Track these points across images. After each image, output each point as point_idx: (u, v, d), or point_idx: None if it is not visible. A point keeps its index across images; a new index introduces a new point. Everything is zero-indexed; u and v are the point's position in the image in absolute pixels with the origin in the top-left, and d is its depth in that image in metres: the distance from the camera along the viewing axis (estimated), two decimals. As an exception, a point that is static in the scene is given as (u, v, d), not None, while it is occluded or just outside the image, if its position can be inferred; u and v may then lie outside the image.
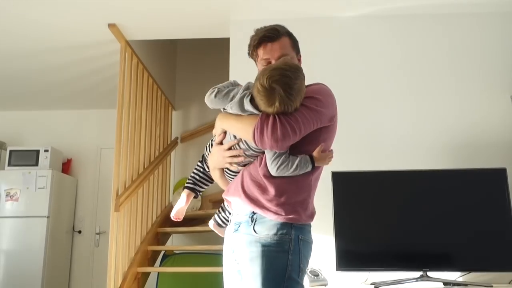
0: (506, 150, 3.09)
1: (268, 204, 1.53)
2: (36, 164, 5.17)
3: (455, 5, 3.30)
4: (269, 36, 1.66)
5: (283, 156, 1.51)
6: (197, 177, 1.84)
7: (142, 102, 4.24)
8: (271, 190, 1.54)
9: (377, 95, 3.27)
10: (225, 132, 1.65)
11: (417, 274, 2.71)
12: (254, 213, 1.56)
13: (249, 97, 1.50)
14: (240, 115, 1.53)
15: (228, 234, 1.66)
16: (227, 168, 1.68)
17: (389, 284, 2.66)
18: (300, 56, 1.77)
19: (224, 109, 1.64)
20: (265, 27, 1.71)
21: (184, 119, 5.52)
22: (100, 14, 3.48)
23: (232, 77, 3.36)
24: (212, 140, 1.76)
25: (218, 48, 4.41)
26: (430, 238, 2.77)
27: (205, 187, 1.86)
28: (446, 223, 2.78)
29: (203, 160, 1.83)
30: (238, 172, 1.67)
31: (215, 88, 1.62)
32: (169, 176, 5.09)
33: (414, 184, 2.86)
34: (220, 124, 1.63)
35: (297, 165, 1.52)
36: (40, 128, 5.84)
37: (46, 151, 5.23)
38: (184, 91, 5.55)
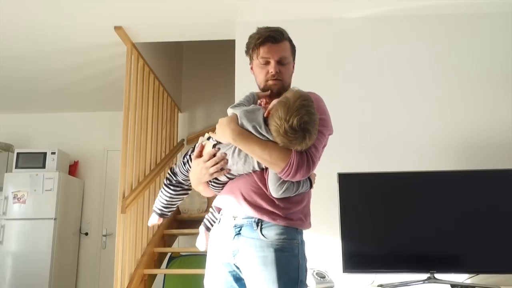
0: (515, 151, 3.07)
1: (275, 211, 1.53)
2: (43, 166, 5.20)
3: (458, 6, 3.28)
4: (274, 36, 1.68)
5: (287, 182, 1.50)
6: (164, 202, 1.84)
7: (148, 104, 4.26)
8: (277, 199, 1.54)
9: (382, 96, 3.26)
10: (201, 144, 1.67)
11: (424, 276, 2.69)
12: (258, 218, 1.54)
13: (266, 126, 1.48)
14: (264, 142, 1.47)
15: (224, 238, 1.60)
16: (214, 180, 1.63)
17: (396, 286, 2.65)
18: (294, 63, 1.79)
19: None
20: (268, 27, 1.72)
21: (190, 121, 5.53)
22: (106, 17, 3.49)
23: (238, 79, 3.37)
24: (188, 155, 1.72)
25: (224, 50, 4.42)
26: (438, 239, 2.76)
27: (174, 208, 1.90)
28: (454, 224, 2.77)
29: (173, 178, 1.81)
30: (225, 183, 1.63)
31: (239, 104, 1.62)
32: (175, 178, 5.09)
33: (422, 186, 2.85)
34: (237, 143, 1.52)
35: (298, 189, 1.54)
36: (47, 130, 5.88)
37: (53, 153, 5.26)
38: (190, 93, 5.57)
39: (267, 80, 1.69)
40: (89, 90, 5.14)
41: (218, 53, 5.11)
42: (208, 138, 1.65)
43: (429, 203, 2.81)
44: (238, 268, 1.57)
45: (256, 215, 1.53)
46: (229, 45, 3.59)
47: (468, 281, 2.77)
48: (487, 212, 2.75)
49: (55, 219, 4.99)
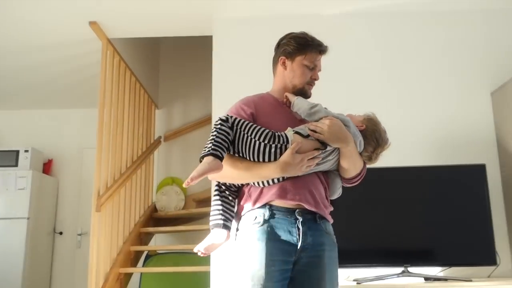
0: (486, 147, 3.14)
1: (330, 209, 1.75)
2: (16, 164, 5.08)
3: (437, 3, 3.34)
4: (327, 50, 1.86)
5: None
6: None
7: (125, 101, 4.20)
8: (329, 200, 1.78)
9: (358, 92, 3.28)
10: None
11: (399, 269, 2.74)
12: (316, 213, 1.67)
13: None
14: (358, 152, 1.75)
15: (284, 234, 1.62)
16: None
17: (371, 280, 2.68)
18: None
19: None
20: (313, 37, 1.87)
21: (167, 117, 5.48)
22: (81, 11, 3.43)
23: (215, 75, 3.36)
24: (280, 144, 1.62)
25: (202, 46, 4.40)
26: (411, 234, 2.81)
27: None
28: (427, 219, 2.82)
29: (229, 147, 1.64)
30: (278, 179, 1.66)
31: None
32: (152, 176, 5.05)
33: (395, 181, 2.89)
34: (349, 149, 1.69)
35: None
36: (20, 128, 5.74)
37: (26, 151, 5.15)
38: (167, 90, 5.52)
39: (307, 83, 1.84)
40: (64, 87, 5.05)
41: (196, 49, 5.08)
42: (307, 136, 1.65)
43: (403, 198, 2.86)
44: (296, 263, 1.62)
45: (324, 212, 1.69)
46: (207, 41, 3.58)
47: (441, 274, 2.83)
48: (459, 206, 2.82)
49: (28, 218, 4.88)
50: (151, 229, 4.59)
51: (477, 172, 2.86)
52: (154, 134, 5.22)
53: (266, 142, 1.62)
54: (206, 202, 4.60)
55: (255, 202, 1.66)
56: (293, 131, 1.66)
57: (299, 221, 1.63)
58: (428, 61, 3.34)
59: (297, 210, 1.64)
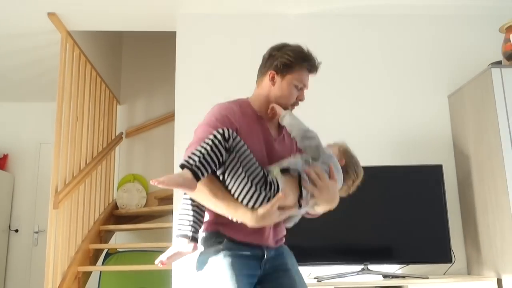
0: (443, 148, 3.23)
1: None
2: (-32, 159, 4.89)
3: (397, 8, 3.42)
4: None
5: None
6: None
7: (85, 95, 4.09)
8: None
9: (320, 93, 3.31)
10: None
11: (359, 267, 2.79)
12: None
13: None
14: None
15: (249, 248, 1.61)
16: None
17: (332, 278, 2.72)
18: None
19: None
20: (311, 53, 1.76)
21: (129, 113, 5.37)
22: (39, 2, 3.31)
23: (179, 71, 3.31)
24: (270, 193, 1.51)
25: (165, 42, 4.34)
26: (371, 232, 2.86)
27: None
28: (386, 217, 2.88)
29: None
30: None
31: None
32: (113, 172, 4.94)
33: (356, 180, 2.93)
34: (330, 207, 1.68)
35: None
36: (-27, 121, 5.52)
37: (-21, 145, 4.95)
38: (129, 85, 5.41)
39: (293, 104, 1.75)
40: (21, 79, 4.87)
41: (159, 45, 5.00)
42: (298, 175, 1.57)
43: (362, 197, 2.89)
44: (263, 276, 1.63)
45: (283, 241, 1.79)
46: (171, 36, 3.52)
47: (399, 272, 2.90)
48: (417, 205, 2.89)
49: (-19, 215, 4.70)
50: (111, 227, 4.49)
51: (434, 172, 2.94)
52: (116, 130, 5.11)
53: (258, 186, 1.49)
54: (168, 199, 4.54)
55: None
56: (281, 168, 1.56)
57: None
58: (388, 63, 3.41)
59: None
